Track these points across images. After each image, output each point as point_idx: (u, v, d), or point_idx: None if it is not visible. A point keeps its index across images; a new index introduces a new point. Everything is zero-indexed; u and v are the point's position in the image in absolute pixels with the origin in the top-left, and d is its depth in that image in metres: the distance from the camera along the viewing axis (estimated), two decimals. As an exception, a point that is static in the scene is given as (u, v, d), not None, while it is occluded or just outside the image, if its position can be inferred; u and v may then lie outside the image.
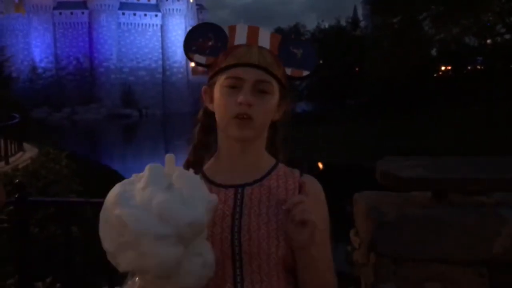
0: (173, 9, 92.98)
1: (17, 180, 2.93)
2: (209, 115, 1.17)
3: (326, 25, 44.32)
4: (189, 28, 1.23)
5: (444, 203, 2.10)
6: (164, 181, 0.90)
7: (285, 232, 1.07)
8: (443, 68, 36.29)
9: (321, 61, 38.78)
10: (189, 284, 0.88)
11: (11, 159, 9.84)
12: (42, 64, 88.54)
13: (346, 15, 47.96)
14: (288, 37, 1.21)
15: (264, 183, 1.14)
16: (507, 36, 29.78)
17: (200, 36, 1.15)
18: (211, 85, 1.14)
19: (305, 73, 1.16)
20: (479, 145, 17.96)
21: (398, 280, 2.01)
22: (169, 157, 0.96)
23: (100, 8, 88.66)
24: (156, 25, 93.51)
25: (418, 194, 2.19)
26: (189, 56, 1.16)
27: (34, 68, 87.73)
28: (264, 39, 1.14)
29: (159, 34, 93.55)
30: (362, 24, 45.46)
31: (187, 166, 1.16)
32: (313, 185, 1.16)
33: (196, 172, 1.15)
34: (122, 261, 0.87)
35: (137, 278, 0.92)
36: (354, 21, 45.13)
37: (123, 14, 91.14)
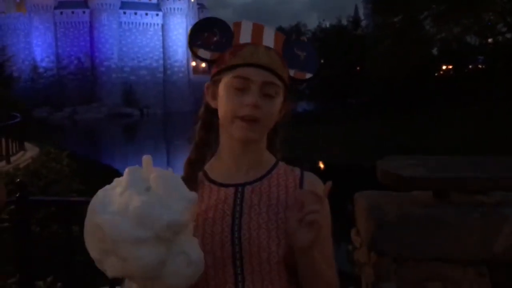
0: (174, 8, 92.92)
1: (18, 180, 2.94)
2: (211, 112, 1.16)
3: (327, 24, 44.28)
4: (190, 27, 1.22)
5: (445, 202, 2.09)
6: (142, 184, 0.90)
7: (286, 231, 1.05)
8: (444, 67, 36.24)
9: (322, 61, 38.69)
10: (177, 283, 0.88)
11: (12, 159, 9.85)
12: (43, 64, 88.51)
13: (347, 14, 47.95)
14: (292, 38, 1.19)
15: (264, 182, 1.14)
16: (509, 35, 29.74)
17: (205, 31, 1.13)
18: (215, 81, 1.13)
19: (308, 75, 1.16)
20: (479, 145, 17.93)
21: (398, 280, 2.01)
22: (146, 158, 0.95)
23: (101, 7, 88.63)
24: (157, 24, 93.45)
25: (419, 194, 2.19)
26: (193, 50, 1.14)
27: (35, 68, 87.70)
28: (269, 38, 1.12)
29: (160, 33, 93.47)
30: (363, 23, 45.41)
31: (188, 164, 1.16)
32: (316, 183, 1.16)
33: (197, 171, 1.15)
34: (108, 268, 0.88)
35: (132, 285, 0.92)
36: (355, 20, 45.05)
37: (124, 13, 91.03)
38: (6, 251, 4.27)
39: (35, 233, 4.71)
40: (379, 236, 2.03)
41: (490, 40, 31.79)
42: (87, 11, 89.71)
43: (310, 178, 1.16)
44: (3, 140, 9.80)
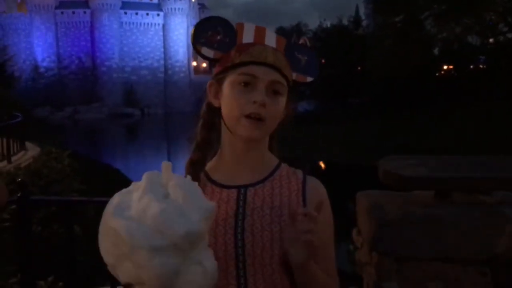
0: (175, 8, 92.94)
1: (19, 179, 2.93)
2: (213, 111, 1.15)
3: (328, 24, 44.36)
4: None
5: (447, 202, 2.09)
6: (160, 190, 0.89)
7: (282, 245, 1.06)
8: (445, 67, 36.23)
9: (323, 61, 38.75)
10: None
11: (13, 158, 9.85)
12: (44, 64, 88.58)
13: (348, 14, 47.97)
14: (293, 42, 1.19)
15: (267, 184, 1.13)
16: (510, 35, 29.73)
17: (209, 29, 1.12)
18: (219, 80, 1.12)
19: (309, 79, 1.16)
20: (479, 145, 17.93)
21: (400, 279, 2.01)
22: (166, 164, 0.93)
23: (102, 8, 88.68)
24: (158, 24, 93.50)
25: (421, 193, 2.19)
26: (196, 48, 1.13)
27: (36, 68, 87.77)
28: (270, 41, 1.13)
29: (161, 33, 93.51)
30: (364, 23, 45.41)
31: (190, 164, 1.14)
32: (318, 189, 1.15)
33: (198, 171, 1.14)
34: (121, 273, 0.87)
35: None
36: (356, 20, 45.06)
37: (125, 13, 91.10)
38: (7, 250, 4.27)
39: (36, 233, 4.71)
40: (380, 236, 2.02)
41: (491, 40, 31.77)
42: (88, 11, 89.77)
43: (313, 183, 1.15)
44: (4, 140, 9.81)
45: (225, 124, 1.12)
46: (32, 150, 11.30)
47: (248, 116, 1.05)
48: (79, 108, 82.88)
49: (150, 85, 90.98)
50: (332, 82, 34.91)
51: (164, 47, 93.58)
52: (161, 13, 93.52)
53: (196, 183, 0.92)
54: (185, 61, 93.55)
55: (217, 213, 1.09)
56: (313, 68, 1.16)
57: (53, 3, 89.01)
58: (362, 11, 50.18)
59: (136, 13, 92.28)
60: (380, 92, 31.97)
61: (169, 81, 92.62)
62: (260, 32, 1.13)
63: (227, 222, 1.09)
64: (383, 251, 2.02)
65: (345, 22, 43.81)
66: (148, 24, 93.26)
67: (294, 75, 1.14)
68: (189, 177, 0.94)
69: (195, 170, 1.13)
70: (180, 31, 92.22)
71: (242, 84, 1.07)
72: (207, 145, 1.16)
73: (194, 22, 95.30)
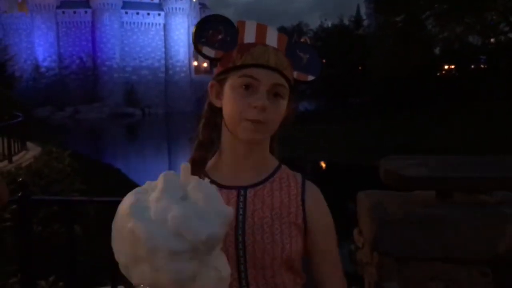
0: (176, 8, 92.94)
1: (20, 179, 2.93)
2: (214, 111, 1.14)
3: (329, 24, 44.34)
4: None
5: (448, 202, 2.09)
6: (179, 192, 0.86)
7: (291, 234, 1.06)
8: (446, 67, 36.21)
9: (324, 60, 38.65)
10: None
11: (14, 158, 9.85)
12: (45, 63, 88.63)
13: (349, 14, 47.92)
14: (295, 40, 1.17)
15: (267, 185, 1.12)
16: (511, 35, 29.70)
17: (210, 28, 1.10)
18: (220, 80, 1.10)
19: (311, 77, 1.14)
20: (479, 145, 17.92)
21: (401, 279, 2.01)
22: (184, 166, 0.90)
23: (103, 7, 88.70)
24: (159, 24, 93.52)
25: (422, 193, 2.19)
26: (197, 47, 1.11)
27: (37, 67, 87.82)
28: (272, 39, 1.11)
29: (162, 33, 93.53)
30: (365, 23, 45.36)
31: (192, 164, 1.12)
32: (317, 194, 1.15)
33: (201, 171, 1.12)
34: (135, 275, 0.85)
35: None
36: (357, 20, 45.04)
37: (126, 13, 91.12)
38: (8, 250, 4.28)
39: (37, 232, 4.72)
40: (381, 236, 2.02)
41: (492, 39, 31.74)
42: (89, 11, 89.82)
43: (312, 190, 1.15)
44: (5, 140, 9.81)
45: (225, 125, 1.11)
46: (33, 150, 11.29)
47: (248, 119, 1.04)
48: (80, 108, 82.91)
49: (151, 85, 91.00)
50: (333, 81, 34.87)
51: (165, 47, 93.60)
52: (162, 13, 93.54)
53: (215, 186, 0.90)
54: (186, 61, 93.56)
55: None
56: (315, 67, 1.15)
57: (54, 2, 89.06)
58: (363, 11, 50.12)
59: (137, 13, 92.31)
60: (381, 92, 31.96)
61: (170, 81, 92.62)
62: (261, 30, 1.11)
63: None
64: (384, 251, 2.02)
65: (346, 22, 43.84)
66: (149, 24, 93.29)
67: (295, 74, 1.13)
68: (207, 180, 0.91)
69: (197, 169, 1.11)
70: (181, 31, 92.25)
71: (243, 87, 1.05)
72: (209, 144, 1.14)
73: (195, 22, 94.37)
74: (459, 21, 28.07)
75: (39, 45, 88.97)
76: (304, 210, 1.10)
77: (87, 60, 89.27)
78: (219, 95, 1.12)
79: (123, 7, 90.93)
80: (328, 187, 1.18)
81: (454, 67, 35.32)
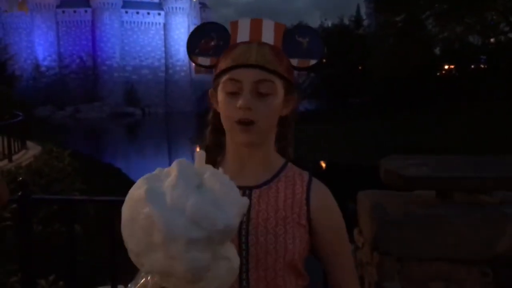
0: (176, 8, 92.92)
1: (20, 178, 2.93)
2: (218, 117, 1.13)
3: (329, 23, 44.31)
4: (192, 27, 1.19)
5: (448, 202, 2.09)
6: (195, 179, 0.85)
7: (294, 235, 1.05)
8: (446, 67, 36.22)
9: (324, 60, 38.73)
10: None
11: (14, 157, 9.84)
12: (45, 63, 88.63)
13: (349, 13, 47.83)
14: (293, 26, 1.16)
15: (272, 186, 1.11)
16: (511, 35, 29.70)
17: (202, 37, 1.11)
18: (215, 87, 1.10)
19: (312, 62, 1.12)
20: (479, 145, 17.92)
21: (402, 279, 2.01)
22: (200, 153, 0.89)
23: (103, 7, 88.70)
24: (159, 23, 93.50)
25: (422, 193, 2.19)
26: (193, 59, 1.12)
27: (37, 67, 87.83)
28: (268, 31, 1.09)
29: (162, 32, 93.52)
30: (365, 22, 45.38)
31: None
32: (324, 192, 1.13)
33: None
34: (147, 262, 0.82)
35: (149, 276, 0.87)
36: (357, 20, 45.03)
37: (126, 12, 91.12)
38: (8, 249, 4.28)
39: (37, 232, 4.72)
40: (381, 236, 2.02)
41: (492, 39, 31.74)
42: (89, 10, 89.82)
43: (318, 188, 1.13)
44: (5, 139, 9.81)
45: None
46: (33, 149, 11.29)
47: (238, 122, 1.04)
48: (80, 107, 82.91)
49: (151, 84, 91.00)
50: (333, 81, 34.88)
51: (165, 46, 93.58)
52: (162, 12, 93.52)
53: (228, 176, 0.88)
54: (186, 60, 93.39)
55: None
56: (317, 49, 1.11)
57: (54, 2, 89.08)
58: (363, 11, 50.16)
59: (137, 12, 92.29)
60: (381, 92, 31.96)
61: (170, 80, 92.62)
62: (256, 25, 1.09)
63: None
64: (384, 251, 2.02)
65: (346, 21, 43.80)
66: (149, 23, 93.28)
67: (295, 62, 1.10)
68: (221, 169, 0.90)
69: None
70: (181, 30, 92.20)
71: (228, 91, 1.05)
72: (216, 148, 1.15)
73: (195, 21, 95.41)
74: (459, 21, 28.06)
75: (39, 44, 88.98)
76: (309, 209, 1.09)
77: (87, 60, 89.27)
78: (218, 102, 1.12)
79: (123, 7, 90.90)
80: (328, 187, 1.17)
81: (454, 67, 35.33)
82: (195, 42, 1.11)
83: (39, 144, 11.96)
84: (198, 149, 0.95)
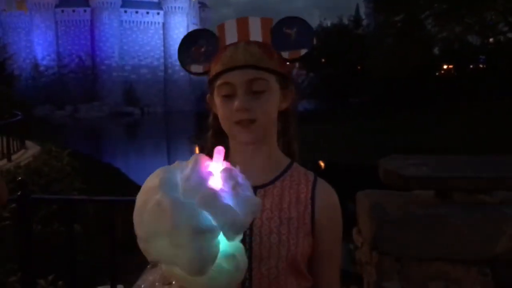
0: (175, 7, 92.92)
1: (19, 178, 2.93)
2: (218, 120, 1.13)
3: (328, 23, 44.32)
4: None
5: (447, 202, 2.09)
6: (210, 174, 0.86)
7: (298, 235, 1.05)
8: (445, 67, 36.25)
9: (323, 60, 38.74)
10: (220, 286, 0.84)
11: (13, 157, 9.84)
12: (44, 62, 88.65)
13: (349, 13, 47.85)
14: (280, 19, 1.15)
15: (277, 185, 1.11)
16: (510, 35, 29.71)
17: (191, 45, 1.11)
18: (211, 92, 1.12)
19: (303, 51, 1.10)
20: (479, 145, 17.93)
21: (401, 279, 2.01)
22: (219, 149, 0.90)
23: (102, 6, 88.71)
24: (158, 23, 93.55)
25: (422, 193, 2.19)
26: (186, 68, 1.13)
27: (36, 66, 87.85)
28: (255, 28, 1.09)
29: (161, 32, 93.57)
30: (365, 22, 45.38)
31: None
32: (328, 192, 1.13)
33: None
34: (153, 250, 0.83)
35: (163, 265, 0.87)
36: (357, 20, 45.03)
37: (125, 12, 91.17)
38: (8, 249, 4.27)
39: (37, 232, 4.71)
40: (380, 236, 2.02)
41: (491, 39, 31.77)
42: (88, 9, 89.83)
43: (323, 189, 1.12)
44: (4, 138, 9.80)
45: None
46: (32, 149, 11.28)
47: (237, 123, 1.05)
48: (79, 106, 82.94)
49: (150, 83, 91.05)
50: (332, 81, 34.88)
51: (164, 45, 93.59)
52: (161, 12, 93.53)
53: (243, 175, 0.89)
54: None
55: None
56: (306, 38, 1.09)
57: (53, 1, 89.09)
58: (362, 11, 50.22)
59: (136, 12, 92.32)
60: (380, 92, 31.97)
61: (169, 79, 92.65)
62: (243, 24, 1.09)
63: None
64: (384, 250, 2.02)
65: (345, 21, 43.81)
66: (148, 22, 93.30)
67: (286, 54, 1.09)
68: (238, 167, 0.91)
69: None
70: (180, 29, 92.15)
71: (223, 95, 1.06)
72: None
73: (194, 21, 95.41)
74: (459, 21, 28.08)
75: (38, 44, 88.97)
76: (313, 209, 1.09)
77: (86, 59, 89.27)
78: (215, 106, 1.12)
79: (122, 6, 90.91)
80: (329, 187, 1.17)
81: (453, 67, 35.36)
82: (186, 51, 1.12)
83: (38, 143, 11.94)
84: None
